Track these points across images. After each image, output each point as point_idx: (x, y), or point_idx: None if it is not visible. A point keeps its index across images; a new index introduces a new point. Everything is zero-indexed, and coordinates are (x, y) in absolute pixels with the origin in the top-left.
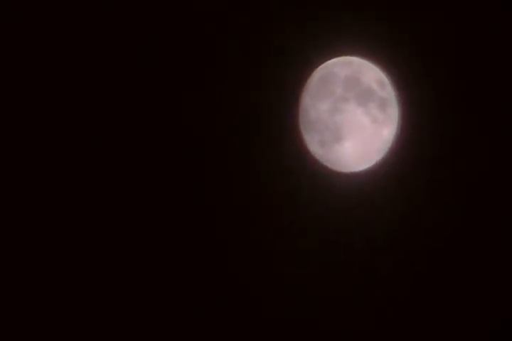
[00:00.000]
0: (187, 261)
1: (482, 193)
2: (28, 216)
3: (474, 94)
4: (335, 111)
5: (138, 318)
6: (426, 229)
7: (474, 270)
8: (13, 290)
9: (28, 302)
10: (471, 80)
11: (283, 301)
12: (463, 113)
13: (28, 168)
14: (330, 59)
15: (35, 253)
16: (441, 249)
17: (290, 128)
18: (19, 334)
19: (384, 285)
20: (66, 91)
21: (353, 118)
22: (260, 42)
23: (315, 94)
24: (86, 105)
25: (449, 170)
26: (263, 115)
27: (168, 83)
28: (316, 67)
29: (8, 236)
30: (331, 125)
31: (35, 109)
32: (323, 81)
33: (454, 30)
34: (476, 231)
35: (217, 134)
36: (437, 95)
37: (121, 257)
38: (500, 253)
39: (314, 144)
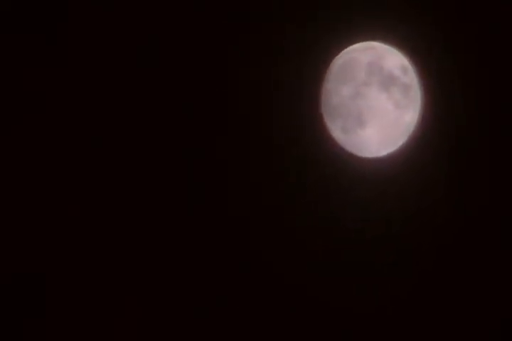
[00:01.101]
0: (212, 252)
1: (504, 178)
2: (28, 216)
3: (497, 80)
4: (357, 96)
5: (141, 318)
6: (447, 214)
7: (494, 258)
8: (13, 290)
9: (28, 302)
10: (495, 66)
11: (310, 287)
12: (485, 98)
13: (28, 168)
14: (352, 44)
15: (36, 253)
16: (464, 234)
17: (312, 113)
18: (19, 334)
19: (406, 271)
20: (68, 92)
21: (376, 103)
22: (283, 28)
23: (337, 79)
24: (94, 104)
25: (471, 155)
26: (285, 101)
27: (189, 66)
28: (339, 52)
29: (9, 236)
30: (354, 110)
31: (36, 109)
32: (346, 66)
33: (478, 16)
34: (499, 216)
35: (239, 121)
36: (460, 81)
37: (131, 256)
38: None
39: (337, 130)
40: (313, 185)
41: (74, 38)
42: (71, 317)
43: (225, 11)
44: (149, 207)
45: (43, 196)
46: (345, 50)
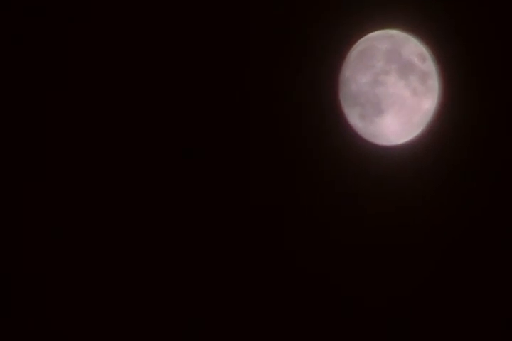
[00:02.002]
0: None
1: None
2: (28, 216)
3: None
4: (375, 84)
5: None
6: (465, 201)
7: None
8: (13, 290)
9: (28, 302)
10: None
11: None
12: (503, 85)
13: (29, 168)
14: (371, 32)
15: (36, 252)
16: (483, 219)
17: (331, 101)
18: (19, 334)
19: (425, 257)
20: (68, 92)
21: (394, 91)
22: (302, 17)
23: (356, 67)
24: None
25: (488, 142)
26: (304, 88)
27: (207, 55)
28: (357, 40)
29: (10, 236)
30: (372, 98)
31: (36, 109)
32: (364, 54)
33: (496, 3)
34: None
35: (257, 108)
36: (477, 68)
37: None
38: None
39: (355, 117)
40: (331, 173)
41: (74, 37)
42: (71, 317)
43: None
44: (193, 185)
45: (46, 197)
46: (364, 38)
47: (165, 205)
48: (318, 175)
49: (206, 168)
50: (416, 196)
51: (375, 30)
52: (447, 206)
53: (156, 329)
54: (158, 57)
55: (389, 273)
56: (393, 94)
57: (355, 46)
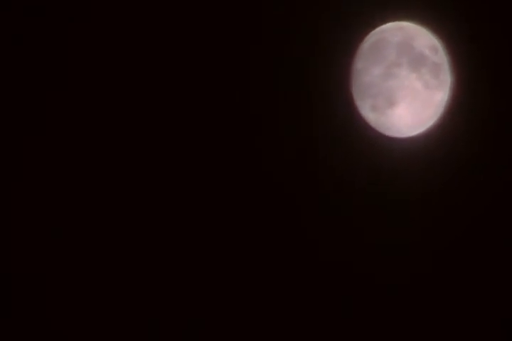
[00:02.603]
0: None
1: None
2: (28, 216)
3: None
4: (387, 76)
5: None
6: (477, 193)
7: None
8: (13, 290)
9: (28, 302)
10: None
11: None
12: None
13: (29, 168)
14: (383, 24)
15: (36, 252)
16: (494, 212)
17: (342, 93)
18: (19, 334)
19: (435, 249)
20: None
21: (406, 83)
22: (313, 8)
23: (367, 59)
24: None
25: (500, 135)
26: (315, 80)
27: (219, 46)
28: (369, 32)
29: (9, 236)
30: (384, 90)
31: (36, 109)
32: (376, 46)
33: None
34: None
35: (269, 100)
36: (490, 60)
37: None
38: None
39: (366, 109)
40: (343, 165)
41: (74, 37)
42: (71, 316)
43: None
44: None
45: (53, 196)
46: (376, 30)
47: (165, 203)
48: (330, 167)
49: (218, 163)
50: (427, 188)
51: (387, 22)
52: (458, 198)
53: (156, 329)
54: (160, 57)
55: (397, 266)
56: (405, 86)
57: (367, 38)
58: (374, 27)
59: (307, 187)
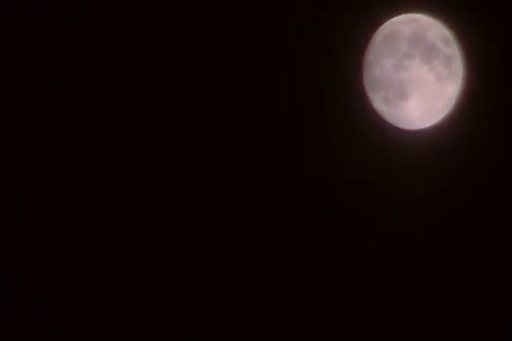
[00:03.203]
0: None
1: None
2: (28, 216)
3: None
4: (399, 68)
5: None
6: (487, 186)
7: None
8: (13, 290)
9: (28, 302)
10: None
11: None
12: None
13: (29, 168)
14: (395, 16)
15: (36, 252)
16: (506, 205)
17: (355, 85)
18: (19, 333)
19: (445, 242)
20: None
21: (418, 75)
22: (325, 1)
23: (379, 51)
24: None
25: None
26: (328, 72)
27: (233, 39)
28: (381, 24)
29: (9, 236)
30: (396, 82)
31: (36, 109)
32: (388, 38)
33: None
34: None
35: (281, 93)
36: (502, 52)
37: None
38: None
39: (379, 101)
40: (355, 157)
41: (74, 37)
42: (71, 316)
43: None
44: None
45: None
46: (388, 22)
47: (165, 203)
48: (342, 158)
49: (232, 158)
50: (439, 180)
51: (399, 14)
52: (469, 190)
53: (156, 329)
54: (161, 57)
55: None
56: (417, 78)
57: (379, 30)
58: (386, 19)
59: (319, 180)
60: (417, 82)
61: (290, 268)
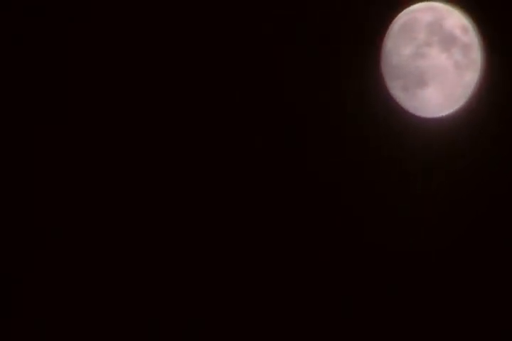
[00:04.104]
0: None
1: None
2: (28, 216)
3: None
4: (418, 56)
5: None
6: (508, 173)
7: None
8: (13, 290)
9: (28, 302)
10: None
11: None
12: None
13: (28, 168)
14: (413, 4)
15: (36, 252)
16: None
17: (373, 73)
18: (19, 334)
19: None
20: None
21: (436, 63)
22: None
23: (398, 39)
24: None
25: None
26: (346, 60)
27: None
28: (399, 12)
29: (9, 236)
30: (414, 70)
31: (36, 109)
32: (407, 26)
33: None
34: None
35: (300, 81)
36: None
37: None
38: None
39: (397, 89)
40: (373, 145)
41: (74, 37)
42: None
43: None
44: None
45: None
46: (406, 10)
47: (165, 202)
48: (360, 147)
49: (254, 153)
50: (457, 168)
51: (417, 2)
52: (486, 179)
53: (156, 329)
54: (162, 57)
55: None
56: (435, 66)
57: (397, 18)
58: (404, 7)
59: (337, 168)
60: (435, 70)
61: (290, 268)
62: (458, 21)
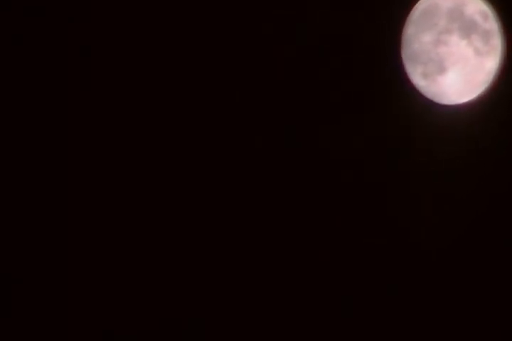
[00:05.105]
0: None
1: None
2: (28, 216)
3: None
4: (438, 43)
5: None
6: None
7: None
8: (13, 290)
9: (28, 302)
10: None
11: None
12: None
13: (28, 167)
14: None
15: (36, 252)
16: None
17: (393, 60)
18: (19, 333)
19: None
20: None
21: (456, 50)
22: None
23: (418, 26)
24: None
25: None
26: (366, 47)
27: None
28: None
29: (10, 236)
30: (434, 57)
31: (36, 109)
32: (427, 13)
33: None
34: None
35: (322, 68)
36: None
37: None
38: None
39: (417, 76)
40: (393, 132)
41: (74, 37)
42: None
43: None
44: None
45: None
46: None
47: (165, 201)
48: (380, 134)
49: (268, 148)
50: (477, 155)
51: None
52: (508, 166)
53: (156, 329)
54: (162, 57)
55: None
56: (455, 53)
57: (417, 5)
58: None
59: (357, 153)
60: (455, 56)
61: (289, 268)
62: (478, 7)
